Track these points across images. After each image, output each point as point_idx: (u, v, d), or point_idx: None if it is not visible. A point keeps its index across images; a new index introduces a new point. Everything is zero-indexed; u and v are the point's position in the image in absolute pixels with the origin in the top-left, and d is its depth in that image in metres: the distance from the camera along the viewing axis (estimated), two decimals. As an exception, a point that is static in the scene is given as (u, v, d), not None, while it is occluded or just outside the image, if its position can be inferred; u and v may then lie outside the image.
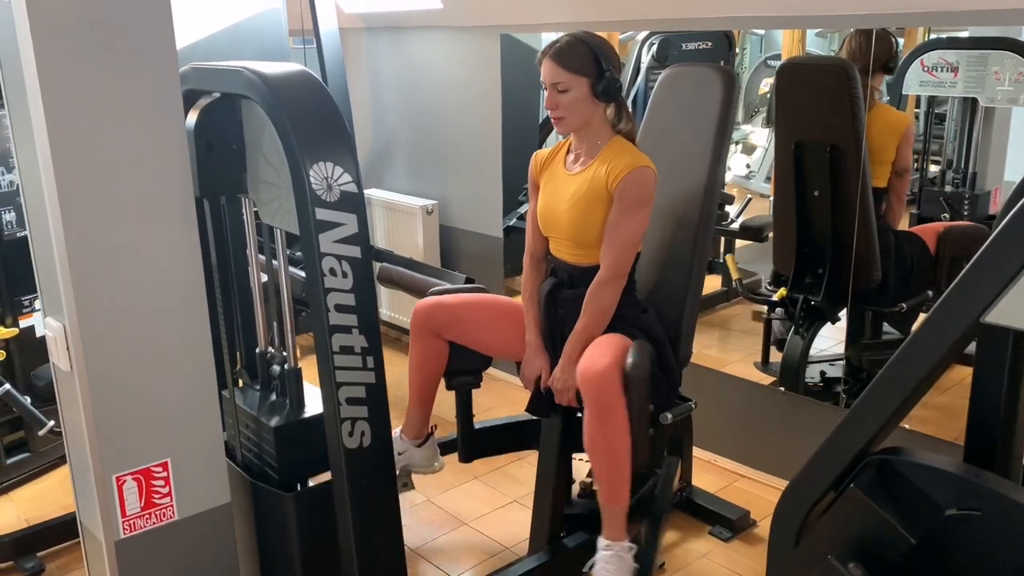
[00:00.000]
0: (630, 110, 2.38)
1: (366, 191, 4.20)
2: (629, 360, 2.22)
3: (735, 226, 3.81)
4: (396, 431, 2.73)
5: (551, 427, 2.57)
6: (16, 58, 1.56)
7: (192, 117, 1.74)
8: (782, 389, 3.08)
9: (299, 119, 1.54)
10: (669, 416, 2.38)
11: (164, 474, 1.76)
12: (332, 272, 1.57)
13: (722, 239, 3.76)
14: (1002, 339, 1.31)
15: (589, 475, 2.56)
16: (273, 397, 1.91)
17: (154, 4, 1.57)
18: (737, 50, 3.57)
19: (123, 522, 1.72)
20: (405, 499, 2.98)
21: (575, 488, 2.78)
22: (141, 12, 1.55)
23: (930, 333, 1.27)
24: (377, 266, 3.51)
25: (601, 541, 2.31)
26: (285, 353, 1.93)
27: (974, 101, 2.91)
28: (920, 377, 1.30)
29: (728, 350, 3.77)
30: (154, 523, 1.76)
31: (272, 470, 1.81)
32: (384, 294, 4.18)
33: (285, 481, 1.79)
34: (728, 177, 3.67)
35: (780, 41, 3.68)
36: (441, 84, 3.98)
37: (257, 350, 1.99)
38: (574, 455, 2.58)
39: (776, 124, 3.20)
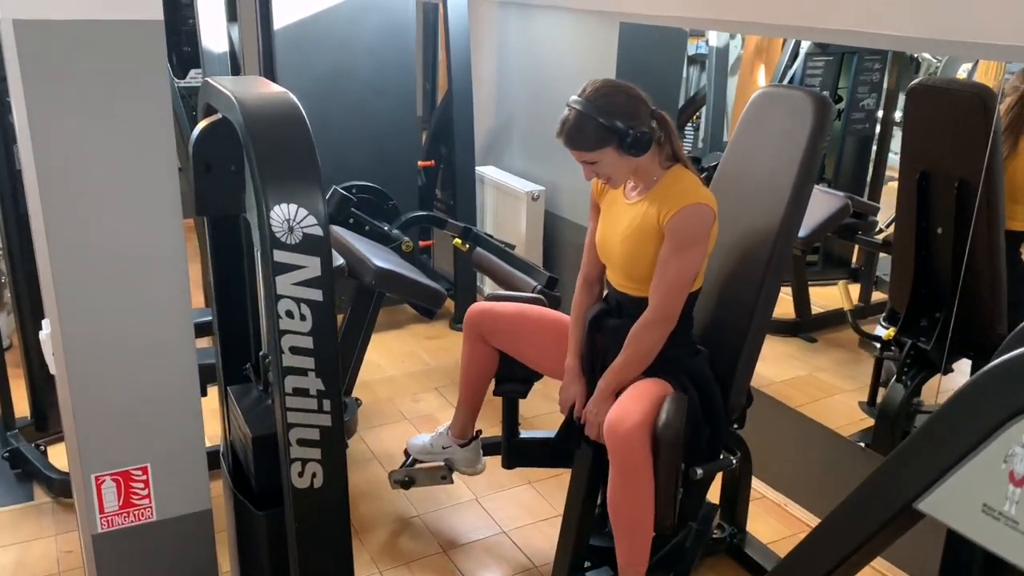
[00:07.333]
0: (672, 124, 2.19)
1: (481, 168, 4.14)
2: (662, 418, 2.08)
3: (879, 238, 3.55)
4: (444, 427, 2.72)
5: (582, 456, 2.46)
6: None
7: (193, 136, 1.73)
8: (862, 445, 2.79)
9: (266, 156, 1.50)
10: (700, 472, 2.23)
11: (143, 477, 1.83)
12: (289, 314, 1.53)
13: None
14: (965, 544, 1.06)
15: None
16: (269, 402, 1.92)
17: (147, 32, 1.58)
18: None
19: (100, 518, 1.81)
20: (451, 495, 3.00)
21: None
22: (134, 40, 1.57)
23: (856, 507, 1.06)
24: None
25: None
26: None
27: None
28: (843, 554, 1.10)
29: (844, 377, 3.47)
30: (132, 521, 1.84)
31: (251, 476, 1.82)
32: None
33: (261, 489, 1.80)
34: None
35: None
36: (560, 67, 3.81)
37: (261, 352, 2.00)
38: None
39: (902, 150, 2.86)
